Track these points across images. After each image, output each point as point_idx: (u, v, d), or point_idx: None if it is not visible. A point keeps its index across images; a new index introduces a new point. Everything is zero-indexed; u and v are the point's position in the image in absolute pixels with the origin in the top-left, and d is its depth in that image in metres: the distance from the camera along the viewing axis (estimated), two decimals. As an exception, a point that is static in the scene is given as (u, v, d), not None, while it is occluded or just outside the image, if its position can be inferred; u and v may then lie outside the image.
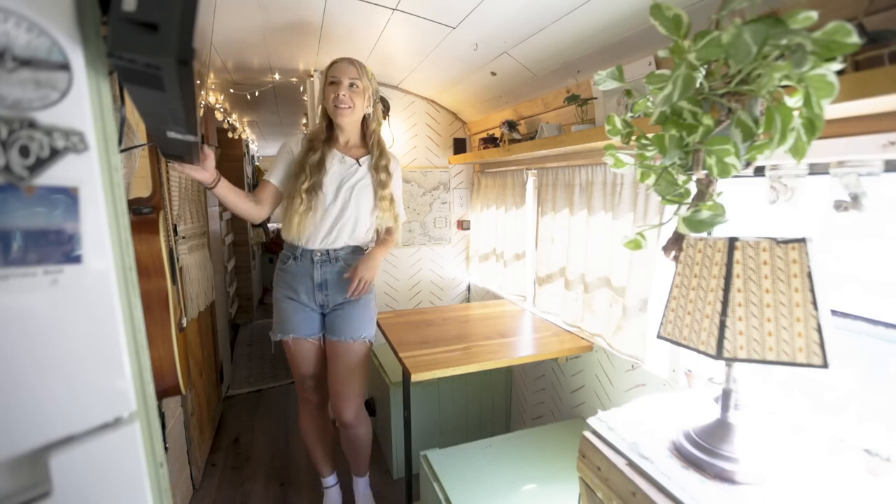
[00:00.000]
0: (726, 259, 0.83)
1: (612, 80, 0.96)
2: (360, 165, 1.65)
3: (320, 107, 1.66)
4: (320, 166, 1.60)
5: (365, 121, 1.66)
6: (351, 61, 1.56)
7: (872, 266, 1.05)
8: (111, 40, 0.36)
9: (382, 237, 1.75)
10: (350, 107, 1.56)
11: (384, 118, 2.27)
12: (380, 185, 1.65)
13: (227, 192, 1.44)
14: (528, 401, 2.29)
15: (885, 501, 0.80)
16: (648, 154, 0.97)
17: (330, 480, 1.92)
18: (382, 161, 1.66)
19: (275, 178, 1.63)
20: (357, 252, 1.69)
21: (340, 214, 1.62)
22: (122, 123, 0.79)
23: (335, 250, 1.65)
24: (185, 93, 0.45)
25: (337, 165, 1.62)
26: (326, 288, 1.65)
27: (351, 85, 1.55)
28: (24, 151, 0.37)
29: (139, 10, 0.35)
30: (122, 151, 0.80)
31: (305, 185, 1.57)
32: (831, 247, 1.06)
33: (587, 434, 1.03)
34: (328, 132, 1.66)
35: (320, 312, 1.70)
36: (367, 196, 1.65)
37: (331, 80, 1.56)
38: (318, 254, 1.64)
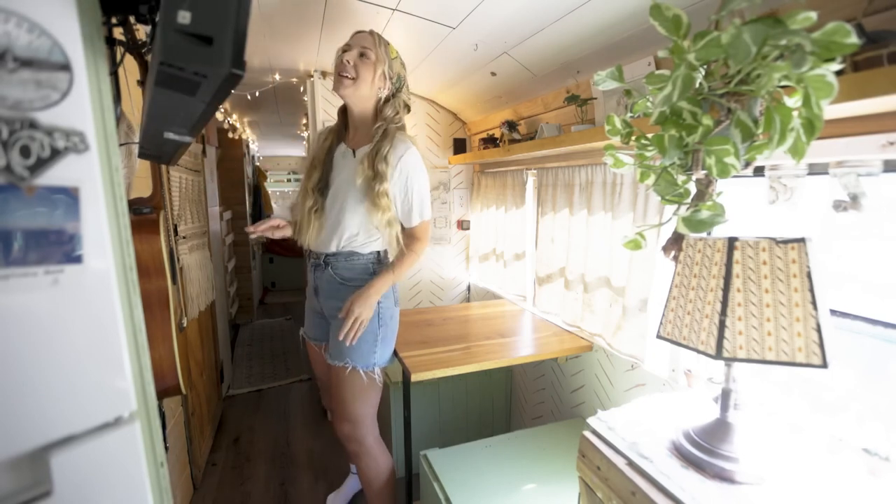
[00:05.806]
0: (726, 259, 0.83)
1: (611, 80, 0.96)
2: (354, 157, 1.44)
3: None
4: (327, 160, 1.46)
5: (378, 107, 1.42)
6: (371, 32, 1.37)
7: (872, 266, 1.05)
8: (164, 51, 0.37)
9: (398, 257, 1.46)
10: (353, 77, 1.32)
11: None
12: (376, 177, 1.35)
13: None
14: (528, 401, 2.29)
15: (885, 501, 0.81)
16: (648, 154, 0.97)
17: (354, 467, 1.87)
18: (384, 148, 1.36)
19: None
20: (351, 259, 1.46)
21: (328, 214, 1.45)
22: (119, 120, 0.79)
23: (326, 255, 1.47)
24: (214, 100, 0.47)
25: (339, 159, 1.47)
26: (318, 294, 1.54)
27: (361, 54, 1.33)
28: (25, 151, 0.37)
29: (193, 23, 0.37)
30: (121, 146, 0.80)
31: (311, 182, 1.46)
32: (831, 247, 1.06)
33: (587, 434, 1.03)
34: (341, 118, 1.50)
35: (325, 318, 1.59)
36: (354, 192, 1.39)
37: (343, 48, 1.37)
38: (313, 256, 1.53)
